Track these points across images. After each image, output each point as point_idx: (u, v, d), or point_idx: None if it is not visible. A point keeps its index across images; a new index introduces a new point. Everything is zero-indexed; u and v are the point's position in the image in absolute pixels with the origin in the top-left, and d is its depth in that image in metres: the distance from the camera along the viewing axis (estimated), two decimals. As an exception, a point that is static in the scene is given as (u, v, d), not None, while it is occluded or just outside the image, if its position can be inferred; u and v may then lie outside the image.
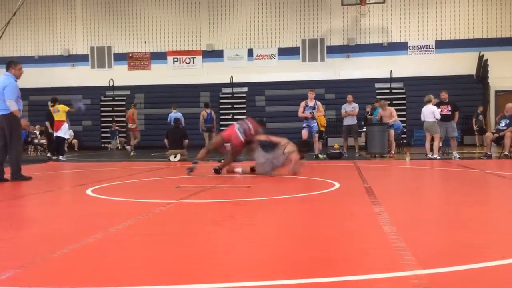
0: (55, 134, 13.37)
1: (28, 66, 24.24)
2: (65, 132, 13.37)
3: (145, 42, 23.55)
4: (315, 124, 12.10)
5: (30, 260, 2.69)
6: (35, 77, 23.52)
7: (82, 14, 23.91)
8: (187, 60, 23.37)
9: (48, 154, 14.19)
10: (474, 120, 18.67)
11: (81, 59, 23.94)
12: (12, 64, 7.51)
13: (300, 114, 12.26)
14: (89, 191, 5.92)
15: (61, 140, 13.50)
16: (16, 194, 6.00)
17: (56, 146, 13.53)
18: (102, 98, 22.95)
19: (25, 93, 20.70)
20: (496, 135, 11.93)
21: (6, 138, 7.26)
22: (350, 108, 13.58)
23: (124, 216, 4.11)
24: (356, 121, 13.73)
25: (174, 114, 15.63)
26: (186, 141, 12.70)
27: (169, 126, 14.34)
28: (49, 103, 14.29)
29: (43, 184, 7.27)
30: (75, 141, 20.53)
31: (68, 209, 5.05)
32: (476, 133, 18.74)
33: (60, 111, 13.29)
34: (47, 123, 14.56)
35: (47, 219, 4.39)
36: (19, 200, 5.51)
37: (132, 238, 3.32)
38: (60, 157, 13.20)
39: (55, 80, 22.49)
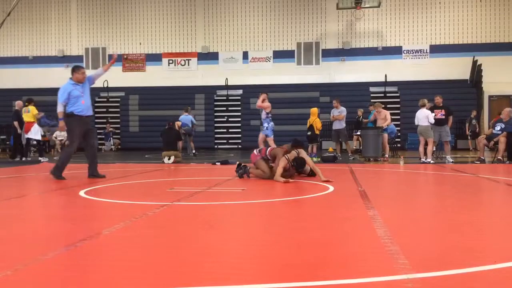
0: (26, 136, 13.14)
1: (22, 66, 24.20)
2: (35, 133, 13.16)
3: (140, 43, 23.53)
4: (264, 127, 11.67)
5: (22, 262, 2.67)
6: (29, 78, 23.48)
7: (77, 15, 23.84)
8: (182, 62, 23.35)
9: (20, 157, 13.47)
10: (467, 125, 18.79)
11: (75, 60, 23.80)
12: (75, 68, 7.76)
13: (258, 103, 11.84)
14: (82, 193, 5.89)
15: (38, 141, 13.47)
16: (9, 195, 5.95)
17: (27, 148, 13.61)
18: (96, 99, 22.87)
19: (19, 93, 20.73)
20: (492, 142, 11.86)
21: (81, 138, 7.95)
22: (337, 112, 13.65)
23: (117, 218, 4.09)
24: (344, 125, 13.73)
25: (185, 116, 15.58)
26: (180, 142, 12.67)
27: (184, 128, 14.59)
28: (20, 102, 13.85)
29: (36, 185, 7.22)
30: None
31: (61, 210, 5.02)
32: (469, 138, 18.86)
33: (30, 112, 13.10)
34: (15, 123, 13.38)
35: (39, 220, 4.37)
36: (12, 201, 5.47)
37: (125, 241, 3.30)
38: (41, 159, 13.02)
39: (49, 81, 22.36)
